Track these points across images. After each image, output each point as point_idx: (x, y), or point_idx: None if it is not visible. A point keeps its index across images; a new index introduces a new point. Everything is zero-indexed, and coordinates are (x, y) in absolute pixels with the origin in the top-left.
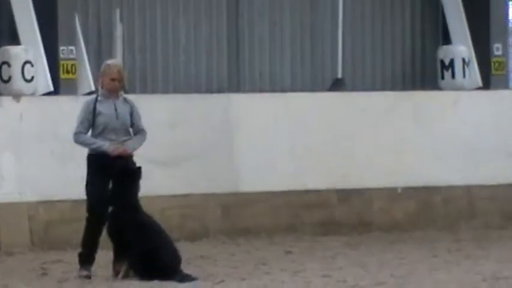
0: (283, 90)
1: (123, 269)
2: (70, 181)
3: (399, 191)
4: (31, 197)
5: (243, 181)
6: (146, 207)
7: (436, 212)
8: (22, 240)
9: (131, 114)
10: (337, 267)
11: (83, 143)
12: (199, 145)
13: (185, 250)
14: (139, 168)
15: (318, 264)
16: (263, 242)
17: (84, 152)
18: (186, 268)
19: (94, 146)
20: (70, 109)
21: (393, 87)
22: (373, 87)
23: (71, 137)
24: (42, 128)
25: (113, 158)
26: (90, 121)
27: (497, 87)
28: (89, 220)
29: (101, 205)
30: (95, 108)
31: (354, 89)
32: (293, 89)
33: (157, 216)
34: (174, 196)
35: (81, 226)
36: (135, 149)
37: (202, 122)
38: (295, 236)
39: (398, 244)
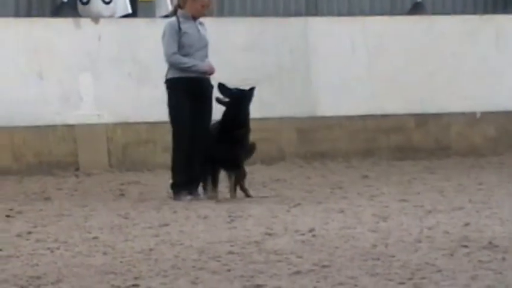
0: (361, 13)
1: (232, 187)
2: (147, 103)
3: (478, 115)
4: (109, 118)
5: (319, 105)
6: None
7: None
8: (100, 161)
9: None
10: (414, 192)
11: (179, 64)
12: (275, 69)
13: (261, 173)
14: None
15: (395, 189)
16: (339, 166)
17: (162, 74)
18: (262, 191)
19: (189, 65)
20: (148, 32)
21: (475, 11)
22: (453, 11)
23: (148, 59)
24: (120, 50)
25: (196, 80)
26: (177, 42)
27: None
28: (177, 145)
29: (188, 127)
30: (179, 28)
31: (434, 12)
32: (371, 12)
33: None
34: (251, 120)
35: (157, 148)
36: None
37: (279, 46)
38: (371, 160)
39: (476, 169)
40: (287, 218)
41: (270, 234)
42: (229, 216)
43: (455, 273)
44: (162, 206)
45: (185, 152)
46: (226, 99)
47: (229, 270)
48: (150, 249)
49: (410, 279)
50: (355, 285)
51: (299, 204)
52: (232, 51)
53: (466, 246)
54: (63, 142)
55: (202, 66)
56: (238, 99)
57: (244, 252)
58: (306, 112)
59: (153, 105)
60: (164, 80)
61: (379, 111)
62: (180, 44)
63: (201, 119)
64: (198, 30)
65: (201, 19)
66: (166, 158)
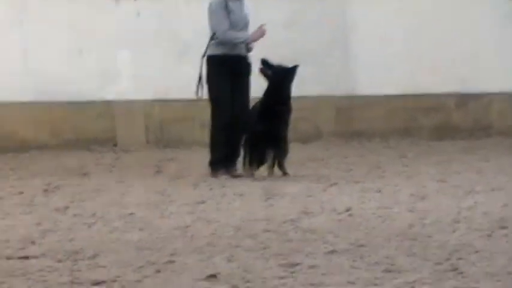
0: None
1: (270, 164)
2: (185, 80)
3: None
4: (147, 95)
5: (358, 84)
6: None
7: None
8: (138, 137)
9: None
10: (452, 172)
11: (234, 39)
12: (314, 47)
13: (298, 152)
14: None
15: (433, 169)
16: (377, 146)
17: (200, 50)
18: (298, 169)
19: (243, 39)
20: (187, 8)
21: None
22: None
23: (187, 35)
24: (159, 26)
25: (236, 57)
26: (227, 19)
27: None
28: (216, 122)
29: (227, 104)
30: (227, 6)
31: None
32: None
33: None
34: None
35: (195, 125)
36: None
37: (319, 23)
38: (410, 140)
39: None
40: (324, 197)
41: (306, 213)
42: (266, 195)
43: (493, 254)
44: (199, 183)
45: (224, 129)
46: (269, 72)
47: (264, 248)
48: (186, 226)
49: (447, 259)
50: (392, 265)
51: (336, 183)
52: (272, 28)
53: (504, 228)
54: (102, 118)
55: (253, 35)
56: (281, 75)
57: (280, 231)
58: (344, 91)
59: (191, 82)
60: (203, 56)
61: (418, 90)
62: (228, 21)
63: (240, 96)
64: (242, 10)
65: None
66: (204, 134)
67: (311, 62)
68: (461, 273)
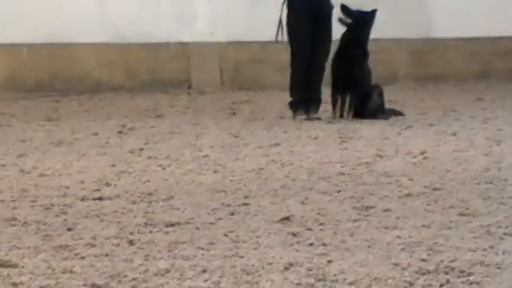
0: None
1: (346, 108)
2: (260, 22)
3: None
4: (222, 37)
5: (434, 26)
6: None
7: None
8: (212, 79)
9: None
10: None
11: None
12: None
13: None
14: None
15: (510, 112)
16: (453, 89)
17: None
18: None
19: None
20: None
21: None
22: None
23: None
24: None
25: (317, 1)
26: None
27: None
28: (295, 65)
29: (307, 47)
30: None
31: None
32: None
33: None
34: None
35: (270, 67)
36: None
37: None
38: (486, 83)
39: None
40: (398, 140)
41: (380, 156)
42: (340, 137)
43: None
44: (273, 125)
45: (302, 72)
46: (349, 21)
47: (339, 191)
48: (260, 169)
49: None
50: (467, 209)
51: (411, 126)
52: None
53: None
54: (176, 60)
55: None
56: (361, 23)
57: (355, 174)
58: (420, 33)
59: (266, 25)
60: (283, 3)
61: (495, 33)
62: None
63: (321, 39)
64: None
65: None
66: (278, 77)
67: (387, 5)
68: None
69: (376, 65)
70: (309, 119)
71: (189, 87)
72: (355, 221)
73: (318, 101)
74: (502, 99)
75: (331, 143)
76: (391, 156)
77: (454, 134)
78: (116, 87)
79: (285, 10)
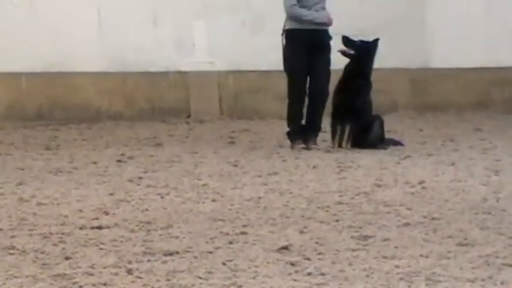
0: None
1: (345, 138)
2: (260, 51)
3: None
4: (221, 66)
5: (433, 56)
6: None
7: None
8: (212, 108)
9: None
10: None
11: (299, 16)
12: (390, 19)
13: None
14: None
15: (509, 143)
16: (452, 118)
17: (276, 22)
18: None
19: (308, 18)
20: None
21: None
22: None
23: (263, 6)
24: None
25: (314, 31)
26: None
27: None
28: (291, 95)
29: (303, 77)
30: None
31: None
32: None
33: None
34: None
35: (269, 96)
36: None
37: None
38: (485, 113)
39: None
40: (397, 169)
41: (379, 186)
42: (339, 167)
43: None
44: (272, 154)
45: (298, 102)
46: (351, 52)
47: (337, 221)
48: (259, 197)
49: None
50: (465, 239)
51: (409, 156)
52: (347, 1)
53: None
54: (176, 88)
55: (321, 17)
56: (364, 51)
57: (353, 203)
58: (420, 63)
59: (266, 53)
60: (282, 30)
61: (494, 63)
62: None
63: (320, 70)
64: None
65: None
66: (278, 106)
67: (387, 34)
68: None
69: (376, 94)
70: (307, 148)
71: (188, 116)
72: (353, 250)
73: (317, 131)
74: (501, 129)
75: (329, 172)
76: (390, 186)
77: (453, 164)
78: (115, 116)
79: (283, 40)
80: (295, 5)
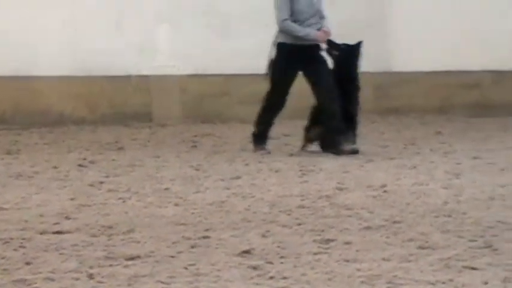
0: None
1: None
2: (224, 55)
3: None
4: (184, 70)
5: (395, 60)
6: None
7: None
8: (174, 112)
9: (319, 1)
10: (488, 149)
11: (291, 31)
12: (350, 22)
13: None
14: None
15: (469, 146)
16: (414, 122)
17: (241, 26)
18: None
19: (301, 34)
20: None
21: None
22: None
23: (228, 11)
24: (199, 1)
25: (306, 47)
26: (289, 7)
27: None
28: (269, 103)
29: (287, 89)
30: None
31: None
32: None
33: (306, 95)
34: None
35: (232, 100)
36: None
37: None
38: (446, 116)
39: None
40: (359, 172)
41: (341, 189)
42: (301, 170)
43: None
44: (235, 158)
45: (272, 110)
46: (336, 53)
47: (299, 224)
48: (222, 202)
49: (481, 236)
50: (426, 242)
51: (372, 159)
52: None
53: None
54: (138, 93)
55: (314, 35)
56: (348, 53)
57: (315, 206)
58: (382, 67)
59: (229, 58)
60: (274, 42)
61: (455, 67)
62: (292, 10)
63: (322, 81)
64: None
65: None
66: (241, 110)
67: (349, 39)
68: (496, 250)
69: None
70: (268, 152)
71: (151, 120)
72: (315, 254)
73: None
74: (461, 132)
75: (292, 176)
76: (352, 189)
77: (414, 167)
78: (78, 120)
79: (275, 51)
80: (287, 19)
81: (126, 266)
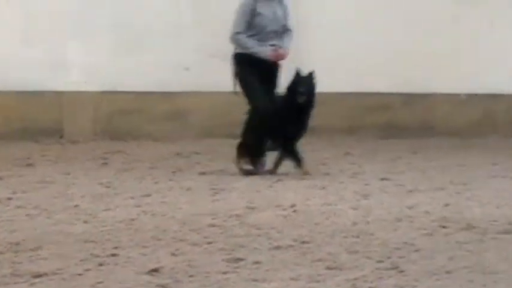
0: None
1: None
2: (136, 72)
3: (463, 97)
4: (96, 86)
5: None
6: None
7: (499, 120)
8: (85, 129)
9: (285, 16)
10: (396, 171)
11: (242, 45)
12: None
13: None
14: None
15: (378, 167)
16: (323, 143)
17: (154, 43)
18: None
19: (253, 50)
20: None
21: None
22: None
23: (140, 27)
24: (110, 17)
25: (263, 61)
26: (248, 22)
27: None
28: (256, 118)
29: (267, 102)
30: (255, 8)
31: None
32: None
33: (219, 114)
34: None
35: (143, 118)
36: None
37: None
38: (355, 138)
39: (459, 150)
40: (270, 192)
41: (252, 208)
42: (213, 189)
43: (434, 253)
44: (145, 176)
45: (263, 123)
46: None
47: (209, 243)
48: (131, 219)
49: (388, 257)
50: (334, 262)
51: (282, 179)
52: (212, 25)
53: (445, 227)
54: (49, 108)
55: (264, 53)
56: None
57: (226, 226)
58: None
59: (141, 75)
60: (232, 54)
61: (364, 89)
62: (253, 24)
63: (269, 95)
64: (274, 11)
65: None
66: (152, 128)
67: None
68: (402, 271)
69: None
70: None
71: (61, 137)
72: (224, 273)
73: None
74: (371, 154)
75: (203, 194)
76: (262, 209)
77: (324, 188)
78: None
79: (232, 62)
80: (239, 32)
81: (32, 284)
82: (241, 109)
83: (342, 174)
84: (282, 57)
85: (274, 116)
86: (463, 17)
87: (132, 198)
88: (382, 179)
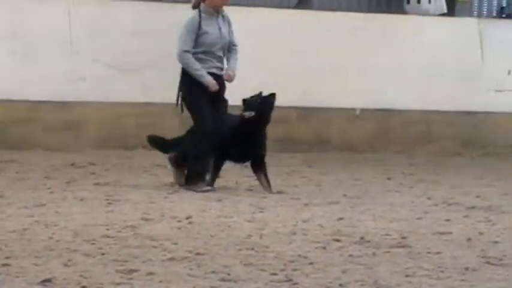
0: (248, 4)
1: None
2: (29, 81)
3: (358, 112)
4: None
5: None
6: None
7: (393, 135)
8: None
9: (229, 32)
10: (291, 184)
11: (188, 66)
12: (159, 54)
13: (143, 158)
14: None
15: (273, 181)
16: None
17: (46, 53)
18: (141, 176)
19: (197, 73)
20: (34, 9)
21: (359, 9)
22: (339, 8)
23: (33, 37)
24: (5, 26)
25: (213, 76)
26: (194, 40)
27: (461, 15)
28: (202, 137)
29: (211, 122)
30: (200, 27)
31: (319, 8)
32: (258, 3)
33: (114, 125)
34: (134, 104)
35: (37, 127)
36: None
37: (163, 32)
38: None
39: (354, 165)
40: (165, 204)
41: (146, 220)
42: (107, 199)
43: (327, 266)
44: (39, 186)
45: (209, 144)
46: (252, 114)
47: (103, 254)
48: (24, 229)
49: (282, 270)
50: (228, 274)
51: (177, 191)
52: (119, 35)
53: (338, 240)
54: None
55: (206, 80)
56: (265, 111)
57: (120, 236)
58: None
59: (35, 84)
60: (181, 69)
61: None
62: (200, 42)
63: (216, 112)
64: (220, 28)
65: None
66: (46, 137)
67: (156, 70)
68: (296, 284)
69: (147, 128)
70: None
71: None
72: (118, 284)
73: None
74: (268, 167)
75: (97, 205)
76: (157, 220)
77: (220, 200)
78: None
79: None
80: (187, 51)
81: None
82: (136, 120)
83: (238, 187)
84: (230, 80)
85: (219, 135)
86: (360, 32)
87: (25, 207)
88: (278, 192)
